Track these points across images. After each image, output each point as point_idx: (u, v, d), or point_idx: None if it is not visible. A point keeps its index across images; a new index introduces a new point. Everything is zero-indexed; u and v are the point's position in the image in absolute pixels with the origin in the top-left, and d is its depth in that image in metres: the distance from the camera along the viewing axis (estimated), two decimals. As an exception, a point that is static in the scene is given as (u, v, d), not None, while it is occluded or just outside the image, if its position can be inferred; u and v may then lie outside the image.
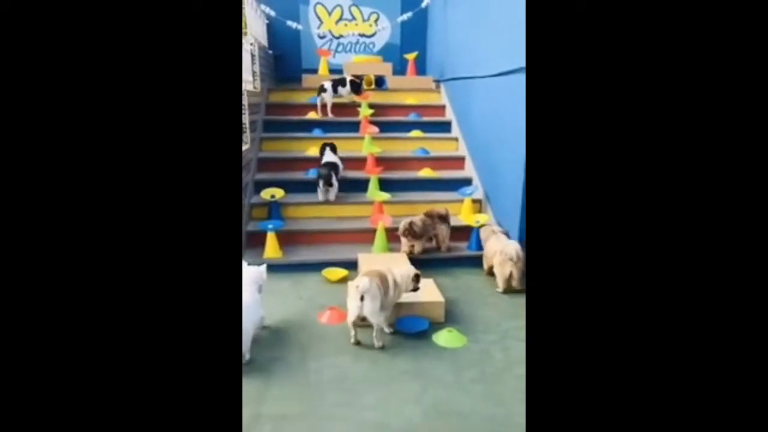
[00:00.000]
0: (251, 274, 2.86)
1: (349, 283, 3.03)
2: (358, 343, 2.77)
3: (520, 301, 3.26)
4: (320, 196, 4.43)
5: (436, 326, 2.92)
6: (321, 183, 4.37)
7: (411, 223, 3.85)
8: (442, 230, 4.06)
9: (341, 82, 5.45)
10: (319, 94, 5.41)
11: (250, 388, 2.32)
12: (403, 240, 3.93)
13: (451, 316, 3.07)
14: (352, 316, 2.72)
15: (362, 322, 2.73)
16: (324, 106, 5.43)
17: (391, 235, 4.02)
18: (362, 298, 2.65)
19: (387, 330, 2.88)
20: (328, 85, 5.35)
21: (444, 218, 4.07)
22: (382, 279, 2.77)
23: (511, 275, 3.43)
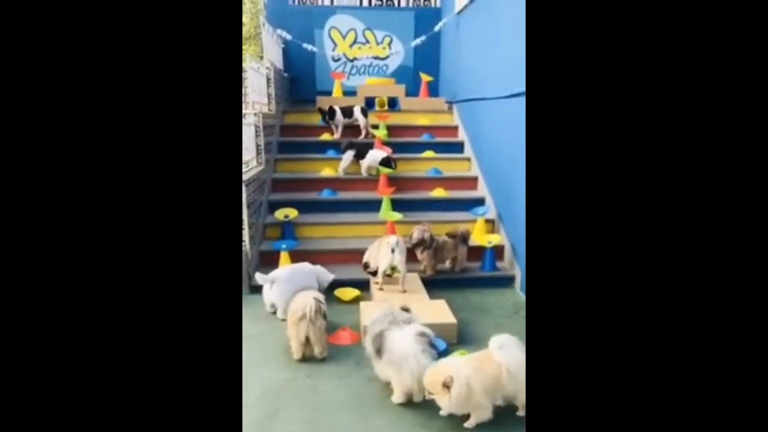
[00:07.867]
0: (315, 270, 3.56)
1: (379, 239, 3.66)
2: (381, 288, 3.51)
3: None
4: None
5: (448, 347, 2.89)
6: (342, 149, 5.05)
7: (423, 233, 3.78)
8: (463, 251, 4.04)
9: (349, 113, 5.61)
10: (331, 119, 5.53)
11: (261, 408, 2.32)
12: (421, 257, 3.88)
13: (464, 338, 3.04)
14: (384, 265, 3.47)
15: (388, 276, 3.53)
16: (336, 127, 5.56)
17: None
18: (393, 251, 3.37)
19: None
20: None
21: (466, 239, 4.05)
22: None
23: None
